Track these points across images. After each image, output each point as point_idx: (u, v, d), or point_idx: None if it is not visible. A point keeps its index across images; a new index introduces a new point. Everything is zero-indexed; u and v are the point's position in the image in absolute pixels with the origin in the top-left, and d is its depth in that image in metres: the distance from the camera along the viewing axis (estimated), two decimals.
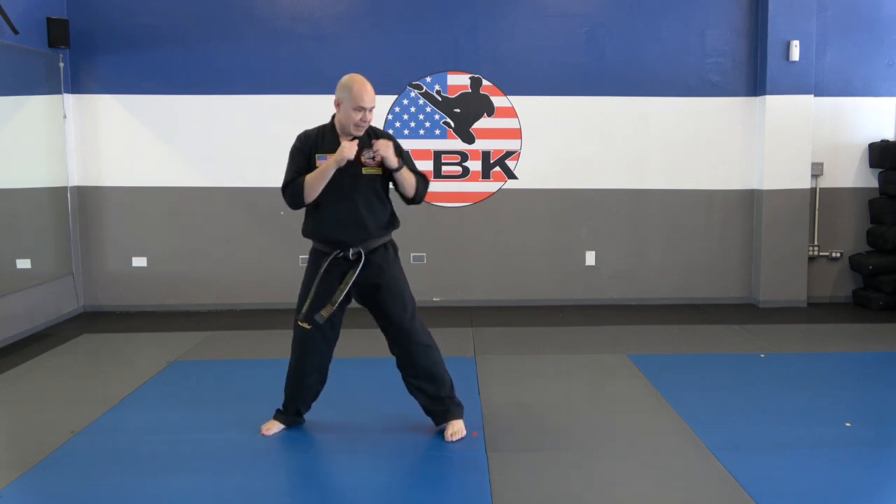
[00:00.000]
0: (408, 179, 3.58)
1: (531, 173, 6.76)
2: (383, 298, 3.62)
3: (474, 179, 6.73)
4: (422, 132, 6.68)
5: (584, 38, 6.66)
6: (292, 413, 3.82)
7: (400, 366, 3.73)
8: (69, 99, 6.57)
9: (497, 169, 6.76)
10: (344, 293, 3.56)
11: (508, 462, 3.42)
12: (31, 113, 6.29)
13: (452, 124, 6.69)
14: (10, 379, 4.77)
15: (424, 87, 6.66)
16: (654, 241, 6.87)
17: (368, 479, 3.29)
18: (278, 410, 3.84)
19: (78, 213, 6.68)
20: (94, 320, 6.47)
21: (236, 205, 6.74)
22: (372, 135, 3.58)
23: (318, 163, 3.51)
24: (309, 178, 3.50)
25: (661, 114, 6.73)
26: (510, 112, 6.71)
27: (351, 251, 3.56)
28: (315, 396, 3.83)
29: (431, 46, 6.64)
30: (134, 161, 6.68)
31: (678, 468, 3.38)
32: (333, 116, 3.60)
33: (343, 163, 3.43)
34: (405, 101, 6.66)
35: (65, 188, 6.57)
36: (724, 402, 4.17)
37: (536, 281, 6.87)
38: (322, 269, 3.56)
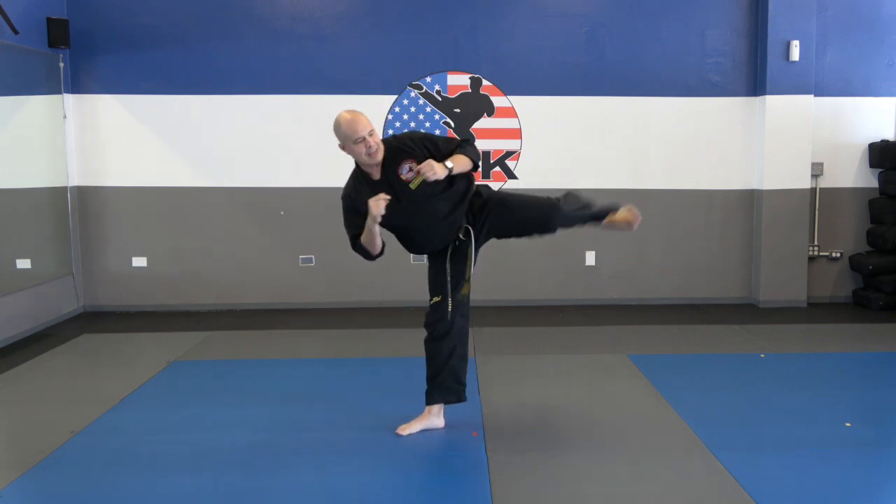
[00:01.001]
0: (462, 167, 3.50)
1: (531, 173, 6.75)
2: (496, 216, 3.64)
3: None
4: (422, 132, 6.68)
5: (584, 38, 6.66)
6: (448, 386, 3.76)
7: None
8: (69, 99, 6.57)
9: (497, 169, 6.76)
10: (470, 265, 3.68)
11: (508, 462, 3.42)
12: (31, 113, 6.30)
13: (452, 124, 6.69)
14: (10, 379, 4.77)
15: (424, 87, 6.66)
16: (654, 241, 6.87)
17: (369, 479, 3.29)
18: (426, 392, 3.77)
19: (78, 213, 6.68)
20: (94, 320, 6.47)
21: (236, 205, 6.74)
22: (396, 149, 3.50)
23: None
24: (363, 240, 3.51)
25: (661, 114, 6.73)
26: (510, 112, 6.71)
27: (461, 235, 3.62)
28: (462, 369, 3.80)
29: (431, 46, 6.64)
30: (134, 161, 6.67)
31: (678, 468, 3.38)
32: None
33: (378, 219, 3.39)
34: (405, 101, 6.66)
35: (65, 188, 6.57)
36: (724, 402, 4.17)
37: (536, 281, 6.87)
38: (447, 259, 3.64)
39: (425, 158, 3.44)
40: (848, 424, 3.82)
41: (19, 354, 5.32)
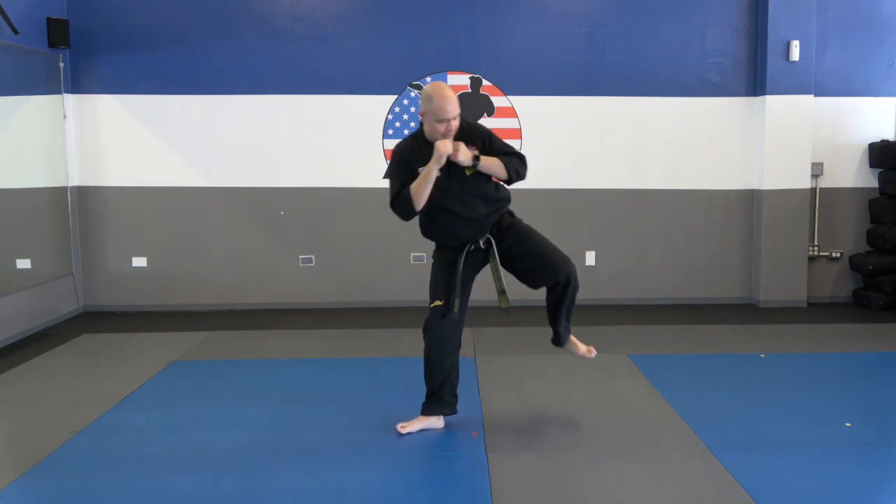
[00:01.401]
0: (492, 168, 3.56)
1: (531, 173, 6.58)
2: (515, 242, 3.70)
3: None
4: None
5: (584, 38, 6.66)
6: (447, 400, 3.76)
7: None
8: (69, 99, 6.57)
9: None
10: (499, 276, 3.74)
11: (508, 462, 3.42)
12: (31, 113, 6.30)
13: None
14: (10, 379, 4.77)
15: (424, 87, 6.65)
16: (654, 241, 6.87)
17: (369, 478, 3.29)
18: (425, 404, 3.78)
19: (78, 213, 6.68)
20: (94, 320, 6.47)
21: (236, 205, 6.74)
22: (466, 132, 3.57)
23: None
24: (413, 186, 3.51)
25: (661, 114, 6.73)
26: (510, 112, 6.71)
27: (481, 241, 3.67)
28: (457, 380, 3.79)
29: (431, 46, 6.64)
30: (134, 161, 6.67)
31: (678, 468, 3.38)
32: (422, 124, 3.60)
33: (443, 161, 3.43)
34: (405, 101, 6.66)
35: (65, 188, 6.57)
36: (724, 402, 4.17)
37: None
38: (460, 261, 3.65)
39: (482, 151, 3.55)
40: (848, 424, 3.83)
41: (19, 354, 5.32)
